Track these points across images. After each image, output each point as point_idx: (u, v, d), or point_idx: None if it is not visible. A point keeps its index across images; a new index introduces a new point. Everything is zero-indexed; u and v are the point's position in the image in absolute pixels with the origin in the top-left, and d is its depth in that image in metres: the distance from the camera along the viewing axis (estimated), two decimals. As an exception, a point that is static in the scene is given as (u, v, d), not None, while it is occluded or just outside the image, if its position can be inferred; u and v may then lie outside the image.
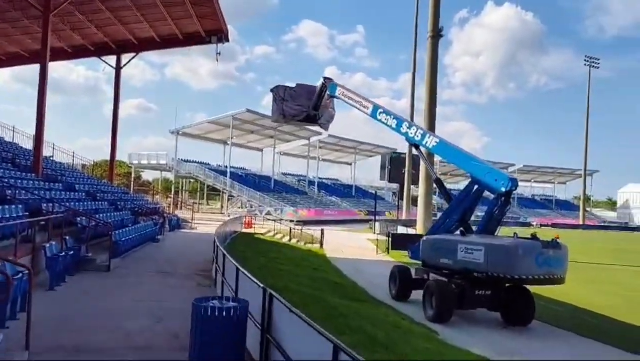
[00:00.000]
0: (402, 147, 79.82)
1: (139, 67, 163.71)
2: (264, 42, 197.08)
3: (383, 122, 16.64)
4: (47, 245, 10.13)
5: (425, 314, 12.33)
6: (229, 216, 55.07)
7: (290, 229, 29.81)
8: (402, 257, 27.22)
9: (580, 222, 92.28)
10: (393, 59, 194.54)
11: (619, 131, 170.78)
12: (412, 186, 73.77)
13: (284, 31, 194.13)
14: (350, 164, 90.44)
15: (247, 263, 12.29)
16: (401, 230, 38.28)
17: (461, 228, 13.51)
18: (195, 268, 13.91)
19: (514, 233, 12.50)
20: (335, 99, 19.39)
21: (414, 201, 72.44)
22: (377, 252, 27.87)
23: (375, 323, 9.75)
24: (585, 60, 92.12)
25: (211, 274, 12.76)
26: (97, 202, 19.46)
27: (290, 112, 19.82)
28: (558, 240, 11.83)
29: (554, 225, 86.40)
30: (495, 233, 13.13)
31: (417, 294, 13.50)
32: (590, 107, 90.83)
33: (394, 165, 72.00)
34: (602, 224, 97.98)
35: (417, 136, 15.29)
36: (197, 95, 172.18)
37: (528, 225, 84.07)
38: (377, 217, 68.15)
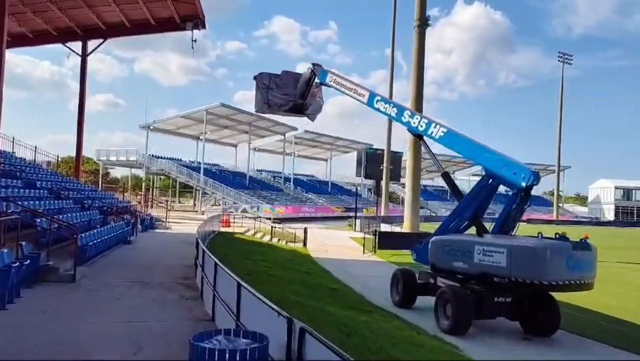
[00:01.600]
0: (379, 143, 79.28)
1: (106, 61, 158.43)
2: (235, 37, 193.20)
3: (381, 111, 15.21)
4: (-3, 253, 8.32)
5: (439, 324, 10.96)
6: (202, 214, 53.04)
7: (272, 228, 28.18)
8: (389, 256, 26.04)
9: (554, 217, 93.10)
10: (365, 55, 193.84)
11: (585, 128, 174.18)
12: (391, 183, 73.42)
13: (256, 27, 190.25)
14: (326, 160, 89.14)
15: (232, 268, 10.67)
16: (385, 227, 37.09)
17: (475, 229, 12.20)
18: (175, 275, 12.21)
19: (539, 233, 11.22)
20: (324, 88, 17.95)
21: (390, 197, 71.99)
22: (363, 251, 26.47)
23: (393, 341, 8.30)
24: (559, 56, 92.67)
25: (195, 283, 11.12)
26: (61, 201, 17.43)
27: (276, 101, 18.22)
28: (588, 241, 10.60)
29: (529, 221, 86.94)
30: (513, 233, 11.87)
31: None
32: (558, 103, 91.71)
33: (370, 162, 70.83)
34: (575, 219, 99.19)
35: (421, 126, 13.88)
36: (167, 91, 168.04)
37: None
38: (353, 214, 67.46)
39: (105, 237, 14.30)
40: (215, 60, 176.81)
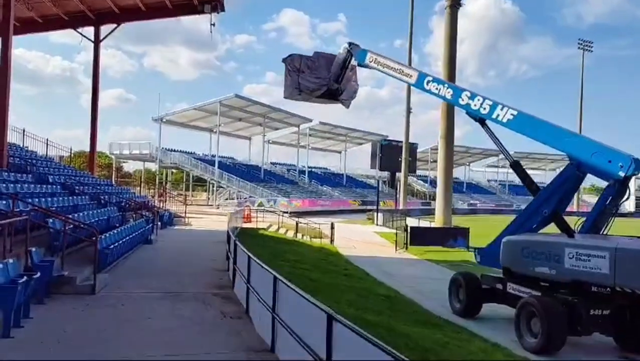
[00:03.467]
0: (394, 134, 77.17)
1: (116, 57, 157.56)
2: (244, 31, 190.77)
3: (433, 93, 13.41)
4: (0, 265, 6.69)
5: (523, 343, 9.19)
6: (218, 208, 51.60)
7: (297, 223, 26.54)
8: (422, 253, 24.33)
9: (575, 209, 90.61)
10: (374, 47, 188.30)
11: (600, 118, 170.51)
12: (401, 174, 71.41)
13: (265, 20, 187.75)
14: (340, 152, 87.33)
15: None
16: (411, 222, 35.32)
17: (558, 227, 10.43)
18: (209, 283, 10.57)
19: (640, 236, 9.41)
20: (358, 70, 16.28)
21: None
22: (395, 248, 24.75)
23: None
24: (578, 43, 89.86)
25: (233, 294, 9.47)
26: (75, 197, 15.86)
27: (308, 85, 16.48)
28: None
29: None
30: (605, 232, 10.09)
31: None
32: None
33: (385, 153, 69.24)
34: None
35: (484, 108, 12.07)
36: (177, 85, 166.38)
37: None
38: (371, 207, 65.60)
39: (127, 238, 12.68)
40: (224, 54, 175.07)
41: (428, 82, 13.60)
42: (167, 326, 7.14)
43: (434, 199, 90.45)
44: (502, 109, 11.70)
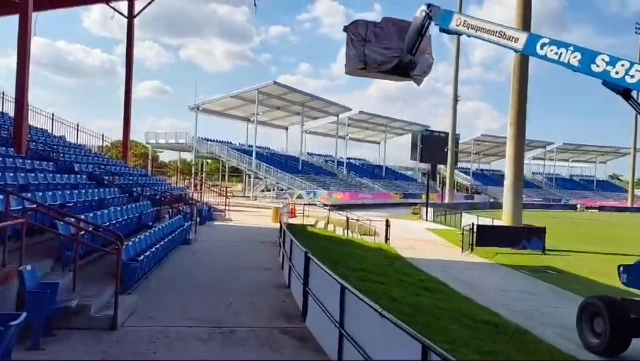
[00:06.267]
0: (438, 124, 73.36)
1: (153, 49, 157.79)
2: (279, 22, 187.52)
3: (550, 59, 10.28)
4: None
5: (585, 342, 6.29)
6: (255, 200, 49.34)
7: (348, 219, 23.75)
8: (492, 255, 21.13)
9: (629, 204, 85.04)
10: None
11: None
12: (442, 166, 67.84)
13: (299, 11, 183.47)
14: (379, 143, 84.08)
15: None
16: (467, 218, 32.04)
17: None
18: (268, 306, 7.90)
19: None
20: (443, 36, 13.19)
21: (444, 182, 66.40)
22: (462, 249, 21.70)
23: None
24: (636, 28, 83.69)
25: (307, 330, 6.76)
26: (103, 190, 13.44)
27: (375, 57, 13.55)
28: None
29: (600, 208, 79.45)
30: None
31: None
32: None
33: (426, 144, 65.65)
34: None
35: (632, 76, 8.97)
36: (212, 77, 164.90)
37: (573, 207, 77.28)
38: (412, 200, 62.34)
39: (161, 242, 10.08)
40: (259, 46, 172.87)
41: (543, 45, 10.48)
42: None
43: (477, 192, 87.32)
44: (662, 77, 8.58)
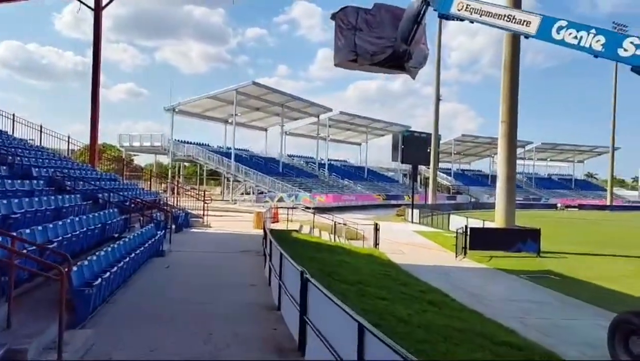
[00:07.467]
0: (416, 125, 72.70)
1: (128, 51, 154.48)
2: (255, 23, 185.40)
3: (569, 44, 9.15)
4: None
5: None
6: (234, 203, 47.64)
7: (335, 224, 22.46)
8: (487, 259, 19.98)
9: (608, 203, 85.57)
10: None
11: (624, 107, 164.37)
12: (423, 167, 67.06)
13: (276, 12, 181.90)
14: (360, 144, 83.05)
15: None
16: (455, 220, 31.00)
17: None
18: (256, 336, 6.49)
19: None
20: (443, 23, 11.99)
21: (426, 183, 65.73)
22: (456, 254, 20.57)
23: None
24: (613, 27, 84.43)
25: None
26: (62, 196, 11.86)
27: (367, 48, 12.34)
28: None
29: (580, 207, 79.63)
30: None
31: None
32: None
33: (407, 145, 64.81)
34: (628, 204, 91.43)
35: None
36: (188, 79, 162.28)
37: (553, 206, 77.36)
38: (395, 202, 61.42)
39: (127, 259, 8.51)
40: (235, 47, 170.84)
41: (559, 29, 9.37)
42: None
43: (458, 193, 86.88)
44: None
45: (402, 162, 67.21)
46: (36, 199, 10.05)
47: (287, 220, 23.99)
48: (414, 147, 62.69)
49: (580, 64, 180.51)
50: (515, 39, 23.47)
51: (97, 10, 21.08)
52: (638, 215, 67.37)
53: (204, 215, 21.77)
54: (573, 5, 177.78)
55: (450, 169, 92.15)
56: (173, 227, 16.71)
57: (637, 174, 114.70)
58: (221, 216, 26.18)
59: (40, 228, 7.56)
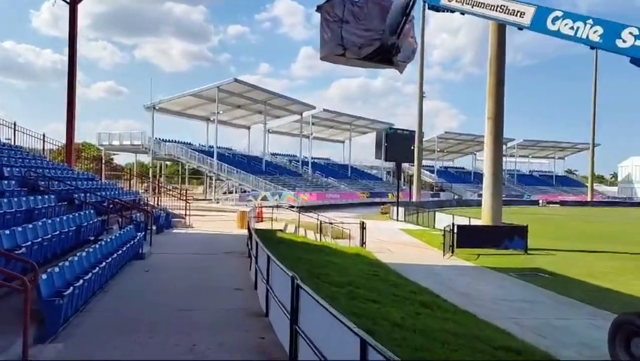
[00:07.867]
0: (398, 123, 72.70)
1: (107, 49, 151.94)
2: (237, 21, 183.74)
3: (565, 35, 8.82)
4: None
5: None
6: (217, 202, 46.93)
7: (321, 223, 22.04)
8: (475, 257, 19.70)
9: (589, 199, 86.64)
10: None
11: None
12: (408, 165, 67.05)
13: (258, 10, 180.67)
14: (343, 142, 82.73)
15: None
16: (441, 218, 30.82)
17: None
18: (242, 346, 6.04)
19: None
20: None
21: (410, 180, 65.77)
22: (444, 253, 20.31)
23: None
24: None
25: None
26: (35, 197, 11.22)
27: (354, 40, 11.89)
28: None
29: (561, 203, 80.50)
30: None
31: None
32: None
33: (390, 143, 64.73)
34: (608, 200, 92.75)
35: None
36: (170, 77, 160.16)
37: (535, 203, 78.02)
38: (379, 200, 61.25)
39: (103, 264, 7.95)
40: (217, 45, 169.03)
41: (555, 19, 9.05)
42: None
43: (442, 190, 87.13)
44: None
45: (386, 160, 67.12)
46: (5, 200, 9.42)
47: (272, 220, 23.50)
48: (397, 144, 62.56)
49: (561, 62, 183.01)
50: (501, 33, 23.29)
51: (73, 4, 20.30)
52: (617, 210, 68.50)
53: (186, 215, 21.18)
54: (555, 4, 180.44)
55: (433, 166, 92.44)
56: (154, 228, 16.11)
57: (616, 170, 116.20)
58: (204, 216, 25.62)
59: (7, 232, 6.98)
